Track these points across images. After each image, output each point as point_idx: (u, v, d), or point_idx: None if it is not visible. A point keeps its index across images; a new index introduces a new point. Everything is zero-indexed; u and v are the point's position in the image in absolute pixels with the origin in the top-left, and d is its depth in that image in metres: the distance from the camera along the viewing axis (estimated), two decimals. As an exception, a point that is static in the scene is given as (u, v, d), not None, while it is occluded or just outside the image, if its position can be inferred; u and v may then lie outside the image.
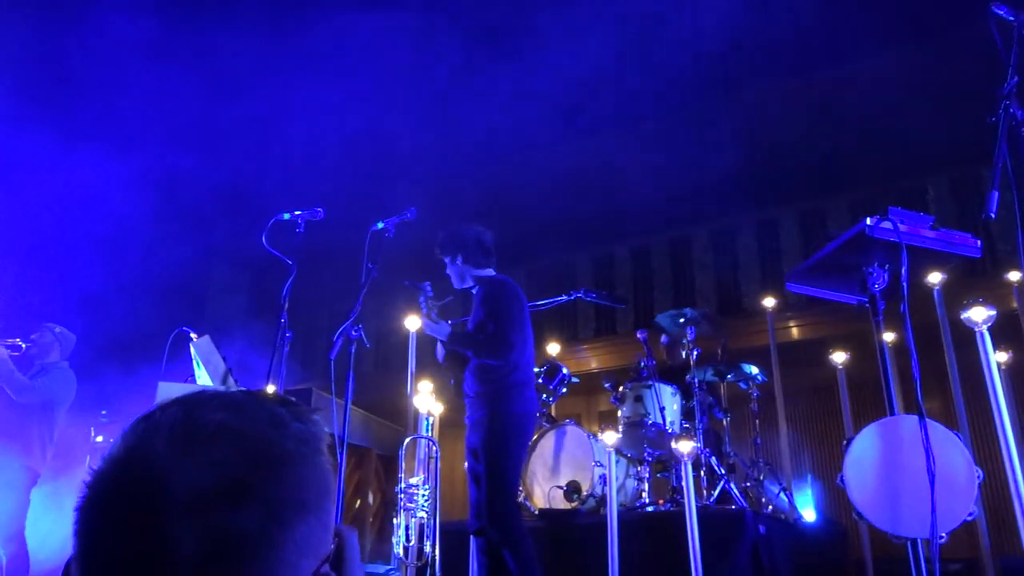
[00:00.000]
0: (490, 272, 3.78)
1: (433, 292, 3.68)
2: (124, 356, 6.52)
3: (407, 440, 3.69)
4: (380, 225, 3.54)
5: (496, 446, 3.34)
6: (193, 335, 3.79)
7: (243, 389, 0.67)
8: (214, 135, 8.24)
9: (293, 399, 0.67)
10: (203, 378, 3.83)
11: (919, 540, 2.53)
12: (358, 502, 5.70)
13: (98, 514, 0.58)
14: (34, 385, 4.70)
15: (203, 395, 0.64)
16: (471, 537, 3.48)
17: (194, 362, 3.84)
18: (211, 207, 8.43)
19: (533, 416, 3.61)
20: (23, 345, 4.89)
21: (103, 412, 6.51)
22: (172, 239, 8.00)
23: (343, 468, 3.37)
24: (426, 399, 4.31)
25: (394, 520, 3.52)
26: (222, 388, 3.61)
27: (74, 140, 7.40)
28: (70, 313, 6.10)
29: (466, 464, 3.59)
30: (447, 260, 3.77)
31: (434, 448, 3.76)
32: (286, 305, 3.42)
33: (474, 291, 3.77)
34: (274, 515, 0.56)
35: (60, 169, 7.32)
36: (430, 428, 4.10)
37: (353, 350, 3.37)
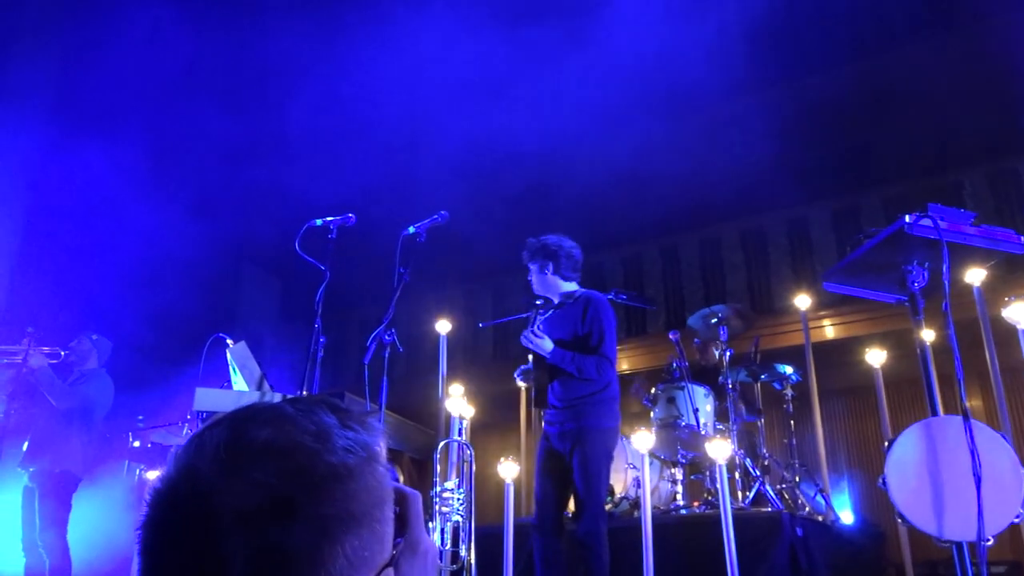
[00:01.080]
0: (574, 285, 3.82)
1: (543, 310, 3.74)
2: (161, 362, 6.63)
3: (441, 444, 3.69)
4: (411, 229, 3.55)
5: (594, 463, 3.44)
6: (229, 341, 3.82)
7: (292, 398, 0.66)
8: (240, 137, 8.33)
9: (343, 405, 0.67)
10: (239, 383, 3.87)
11: (964, 543, 2.47)
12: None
13: (154, 533, 0.59)
14: (73, 391, 4.78)
15: (250, 411, 0.64)
16: (534, 533, 3.52)
17: (230, 368, 3.88)
18: (242, 211, 8.52)
19: (619, 430, 3.69)
20: (62, 353, 4.99)
21: (140, 418, 6.62)
22: (206, 245, 8.10)
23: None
24: (458, 402, 4.30)
25: (429, 524, 3.52)
26: (258, 394, 3.64)
27: (105, 147, 7.53)
28: (106, 321, 6.21)
29: (536, 465, 3.64)
30: (534, 267, 3.80)
31: (468, 452, 3.76)
32: (320, 310, 3.44)
33: (557, 301, 3.79)
34: (322, 531, 0.56)
35: (92, 178, 7.45)
36: (463, 431, 4.10)
37: (387, 355, 3.38)
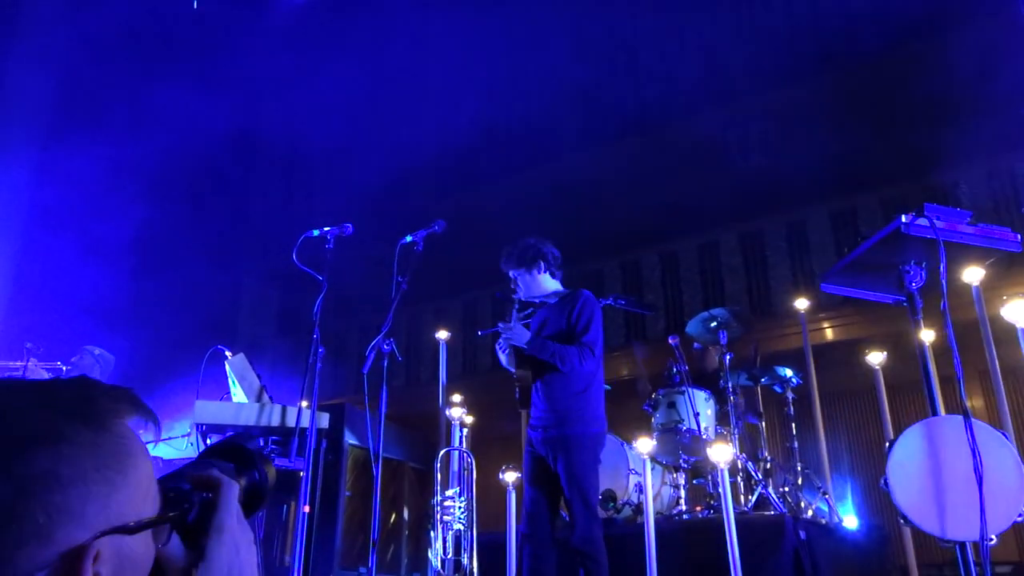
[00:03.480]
0: (558, 284, 3.83)
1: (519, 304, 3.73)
2: (160, 375, 6.62)
3: (441, 452, 3.69)
4: (409, 238, 3.55)
5: (582, 470, 3.39)
6: (228, 353, 3.83)
7: (47, 380, 0.70)
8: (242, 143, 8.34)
9: (91, 379, 0.69)
10: (238, 395, 3.87)
11: (967, 543, 2.46)
12: (393, 515, 5.71)
13: None
14: (73, 406, 4.77)
15: None
16: (524, 543, 3.47)
17: (229, 380, 3.88)
18: (241, 219, 8.53)
19: (604, 434, 3.65)
20: (64, 368, 4.98)
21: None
22: (205, 257, 8.09)
23: (378, 481, 3.38)
24: (458, 411, 4.30)
25: (431, 533, 3.51)
26: (257, 406, 3.64)
27: (103, 158, 7.53)
28: (108, 335, 6.20)
29: (523, 472, 3.60)
30: (522, 271, 3.75)
31: (469, 460, 3.75)
32: (318, 321, 3.44)
33: (549, 300, 3.76)
34: (19, 489, 0.58)
35: (90, 190, 7.45)
36: (463, 440, 4.09)
37: (385, 364, 3.38)
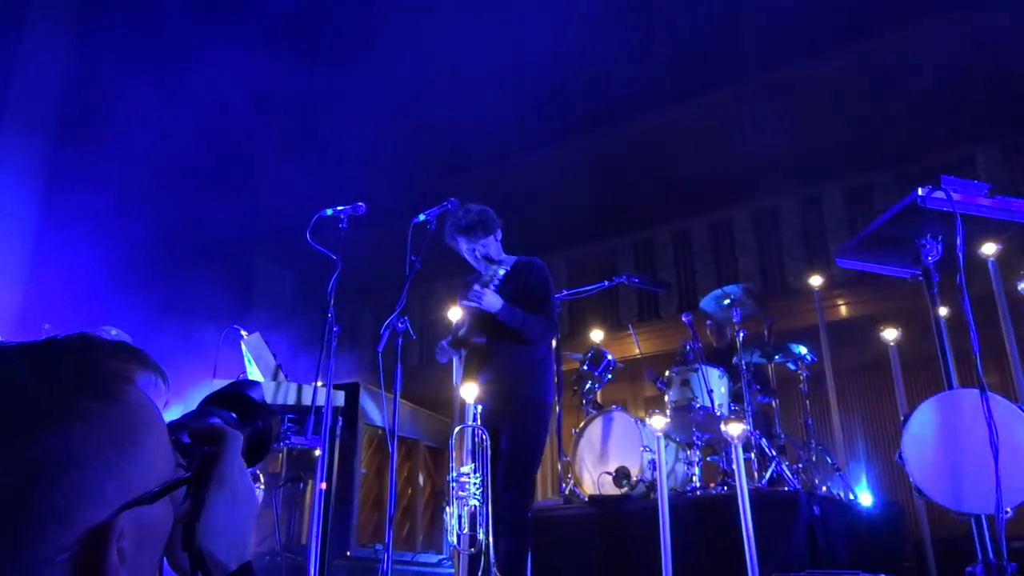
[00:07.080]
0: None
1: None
2: (175, 355, 6.68)
3: (456, 429, 3.71)
4: (422, 217, 3.55)
5: (532, 439, 3.36)
6: (244, 332, 3.86)
7: (41, 341, 0.65)
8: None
9: (99, 341, 0.64)
10: (254, 374, 3.91)
11: (983, 516, 2.46)
12: (409, 492, 5.76)
13: None
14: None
15: None
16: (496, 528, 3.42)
17: (245, 359, 3.92)
18: (254, 201, 8.55)
19: (554, 407, 3.63)
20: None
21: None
22: (220, 236, 8.13)
23: (394, 460, 3.41)
24: (472, 389, 4.31)
25: (446, 509, 3.54)
26: (273, 385, 3.67)
27: (117, 143, 7.56)
28: (124, 315, 6.25)
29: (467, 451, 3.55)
30: (489, 238, 3.62)
31: (483, 436, 3.77)
32: (332, 300, 3.46)
33: (508, 267, 3.65)
34: (31, 473, 0.55)
35: (104, 173, 7.49)
36: (477, 417, 4.11)
37: (400, 343, 3.39)
